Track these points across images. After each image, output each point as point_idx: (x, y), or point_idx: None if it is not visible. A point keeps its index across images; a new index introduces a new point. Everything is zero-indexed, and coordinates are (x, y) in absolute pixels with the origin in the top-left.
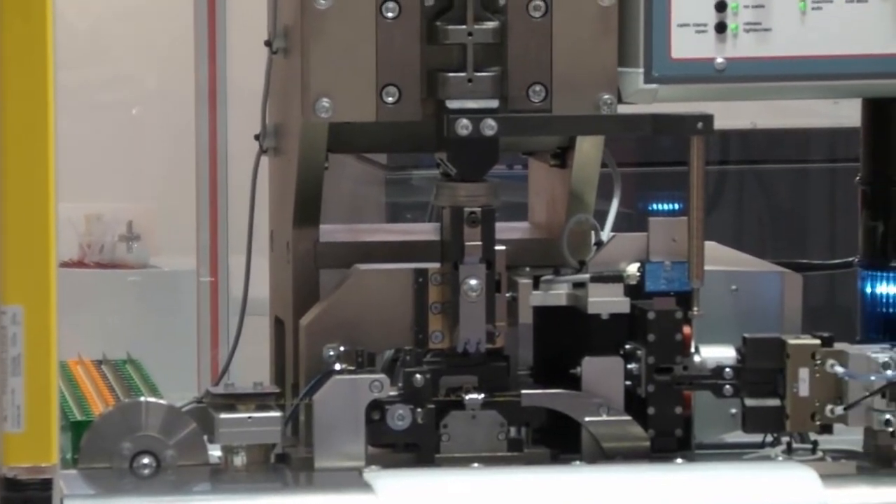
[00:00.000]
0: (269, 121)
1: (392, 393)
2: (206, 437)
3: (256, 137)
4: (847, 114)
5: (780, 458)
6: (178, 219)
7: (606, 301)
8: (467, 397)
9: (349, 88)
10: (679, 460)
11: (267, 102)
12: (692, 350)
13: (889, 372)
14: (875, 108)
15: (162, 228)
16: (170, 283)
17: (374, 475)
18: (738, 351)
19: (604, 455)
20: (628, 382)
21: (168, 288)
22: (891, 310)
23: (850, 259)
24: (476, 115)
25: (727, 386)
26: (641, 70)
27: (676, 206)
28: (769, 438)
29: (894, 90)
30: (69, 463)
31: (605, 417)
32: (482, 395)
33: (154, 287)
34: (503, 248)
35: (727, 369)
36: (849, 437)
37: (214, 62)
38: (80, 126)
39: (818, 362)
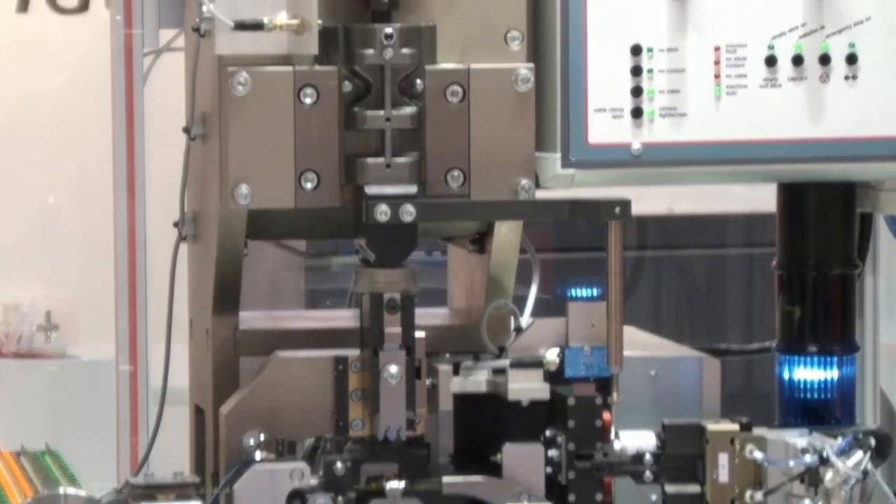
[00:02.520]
0: (187, 208)
1: (313, 482)
2: None
3: (175, 224)
4: (762, 197)
5: None
6: (97, 307)
7: (526, 388)
8: (388, 485)
9: (268, 175)
10: None
11: (185, 189)
12: (612, 436)
13: (807, 457)
14: (790, 193)
15: (80, 317)
16: (89, 372)
17: None
18: (658, 437)
19: None
20: (549, 469)
21: (87, 377)
22: (808, 395)
23: (768, 344)
24: (395, 201)
25: (647, 472)
26: (559, 155)
27: (595, 292)
28: None
29: (809, 175)
30: None
31: None
32: (403, 483)
33: (73, 377)
34: (423, 334)
35: (647, 456)
36: None
37: (133, 148)
38: None
39: (737, 448)
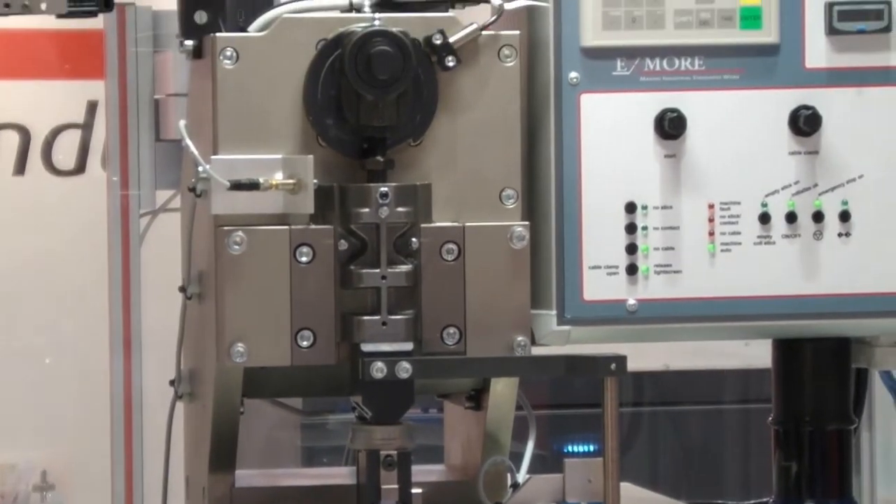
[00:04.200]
0: (184, 366)
1: None
2: None
3: (171, 383)
4: (757, 354)
5: None
6: (93, 466)
7: None
8: None
9: (264, 333)
10: None
11: (182, 348)
12: None
13: None
14: (785, 349)
15: (76, 476)
16: None
17: None
18: None
19: None
20: None
21: None
22: None
23: (765, 500)
24: (391, 359)
25: None
26: (554, 312)
27: (591, 447)
28: None
29: (803, 331)
30: None
31: None
32: None
33: None
34: (420, 490)
35: None
36: None
37: (129, 308)
38: None
39: None
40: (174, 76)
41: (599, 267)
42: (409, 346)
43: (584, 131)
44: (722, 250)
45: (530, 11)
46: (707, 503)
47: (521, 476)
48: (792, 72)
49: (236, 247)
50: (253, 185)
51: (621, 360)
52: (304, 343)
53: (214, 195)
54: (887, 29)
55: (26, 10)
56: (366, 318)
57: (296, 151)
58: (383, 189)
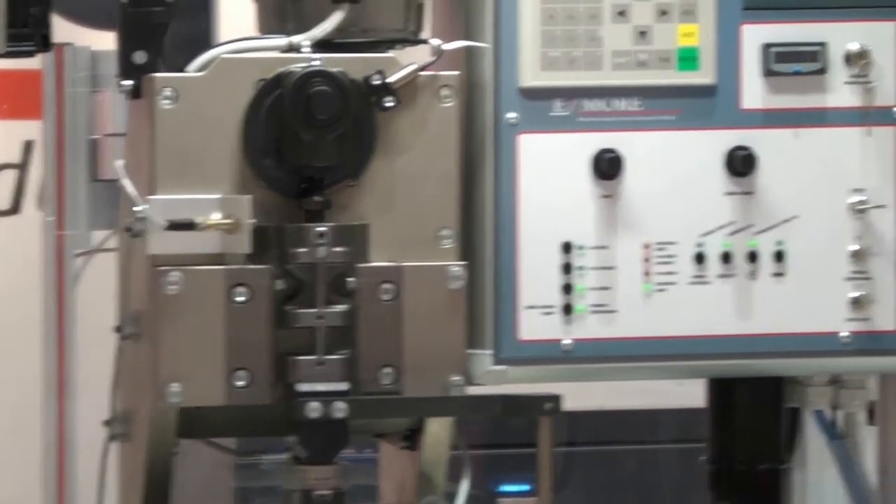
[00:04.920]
0: (118, 407)
1: None
2: None
3: (106, 424)
4: (692, 392)
5: None
6: None
7: None
8: None
9: (199, 373)
10: None
11: (116, 388)
12: None
13: None
14: (720, 388)
15: None
16: None
17: None
18: None
19: None
20: None
21: None
22: None
23: None
24: (326, 398)
25: None
26: (490, 352)
27: (526, 487)
28: None
29: (738, 371)
30: None
31: None
32: None
33: None
34: None
35: None
36: None
37: (63, 348)
38: None
39: None
40: (112, 116)
41: (535, 307)
42: (344, 386)
43: (522, 171)
44: (657, 290)
45: (469, 52)
46: None
47: None
48: (729, 113)
49: (172, 287)
50: (190, 225)
51: (556, 399)
52: (240, 383)
53: (151, 235)
54: (822, 71)
55: None
56: (301, 357)
57: (233, 191)
58: (321, 229)
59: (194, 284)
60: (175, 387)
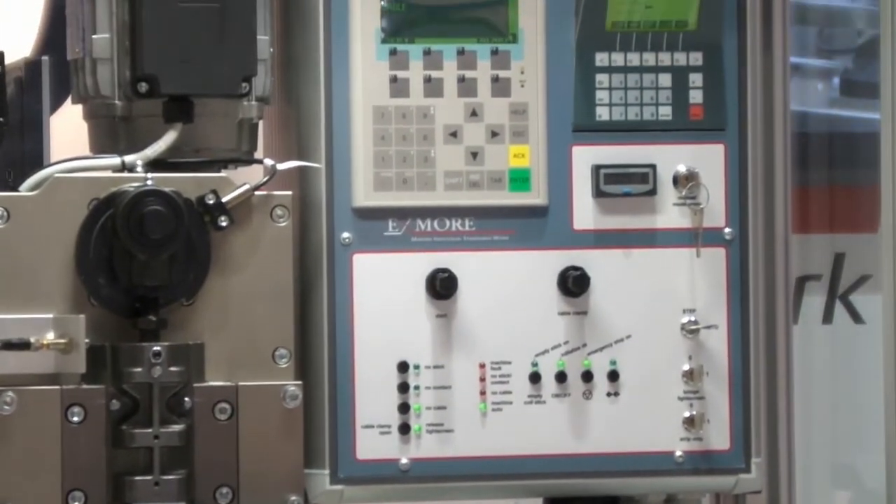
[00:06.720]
0: None
1: None
2: None
3: None
4: None
5: None
6: None
7: None
8: None
9: (33, 494)
10: None
11: None
12: None
13: None
14: None
15: None
16: None
17: None
18: None
19: None
20: None
21: None
22: None
23: None
24: None
25: None
26: (327, 471)
27: None
28: None
29: (573, 490)
30: None
31: None
32: None
33: None
34: None
35: None
36: None
37: None
38: None
39: None
40: None
41: (372, 426)
42: None
43: (357, 291)
44: (493, 409)
45: (303, 172)
46: None
47: None
48: (561, 233)
49: (6, 407)
50: (23, 345)
51: None
52: None
53: None
54: (652, 192)
55: None
56: (138, 478)
57: (67, 311)
58: (156, 349)
59: (28, 405)
60: None
